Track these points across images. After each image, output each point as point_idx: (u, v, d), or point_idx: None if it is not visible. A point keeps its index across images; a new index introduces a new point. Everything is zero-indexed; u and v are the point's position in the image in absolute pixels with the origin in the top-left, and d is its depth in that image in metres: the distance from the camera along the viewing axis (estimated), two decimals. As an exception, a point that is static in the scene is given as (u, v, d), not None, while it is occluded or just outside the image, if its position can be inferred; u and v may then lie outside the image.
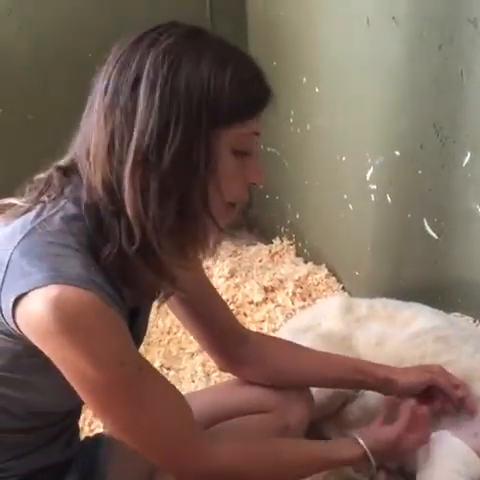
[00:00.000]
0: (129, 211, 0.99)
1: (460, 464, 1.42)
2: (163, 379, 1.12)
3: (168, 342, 2.16)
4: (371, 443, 1.31)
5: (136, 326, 1.20)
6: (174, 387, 1.13)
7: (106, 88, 1.00)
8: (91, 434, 1.49)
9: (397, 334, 1.72)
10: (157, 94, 0.96)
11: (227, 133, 1.00)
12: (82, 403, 1.27)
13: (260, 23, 2.60)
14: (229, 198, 1.05)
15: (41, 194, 1.07)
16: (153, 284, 1.12)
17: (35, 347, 1.00)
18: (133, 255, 1.02)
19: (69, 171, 1.08)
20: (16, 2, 2.33)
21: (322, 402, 1.62)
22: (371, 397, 1.61)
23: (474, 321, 1.95)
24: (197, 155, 0.98)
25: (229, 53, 1.02)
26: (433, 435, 1.48)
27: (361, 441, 1.30)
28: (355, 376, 1.50)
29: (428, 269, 2.04)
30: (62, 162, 1.10)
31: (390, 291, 2.07)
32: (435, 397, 1.48)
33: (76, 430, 1.32)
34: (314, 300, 2.33)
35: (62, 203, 1.05)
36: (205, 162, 0.99)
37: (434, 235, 1.97)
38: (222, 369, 1.49)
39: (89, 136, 1.02)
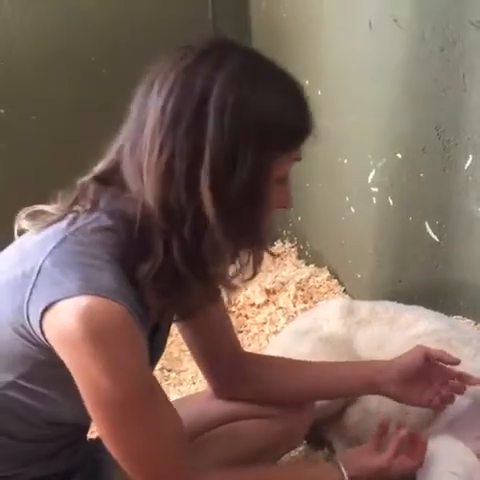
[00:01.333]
0: (188, 231, 1.00)
1: (460, 467, 1.41)
2: (169, 403, 1.11)
3: (169, 344, 2.15)
4: (353, 471, 1.29)
5: (156, 342, 1.20)
6: (177, 412, 1.12)
7: (164, 110, 0.98)
8: (92, 436, 1.48)
9: (398, 337, 1.72)
10: (227, 123, 0.96)
11: (283, 160, 1.03)
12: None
13: (263, 25, 2.60)
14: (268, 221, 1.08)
15: (75, 203, 1.07)
16: (199, 298, 1.12)
17: (57, 358, 0.99)
18: (186, 271, 1.02)
19: (106, 182, 1.07)
20: (19, 2, 2.33)
21: (322, 405, 1.61)
22: (372, 400, 1.60)
23: (476, 324, 1.94)
24: (261, 182, 1.00)
25: (289, 80, 1.06)
26: (433, 437, 1.48)
27: (342, 468, 1.29)
28: (353, 389, 1.50)
29: (430, 272, 2.03)
30: (99, 171, 1.08)
31: (392, 294, 2.06)
32: (434, 380, 1.45)
33: (84, 440, 1.32)
34: (315, 303, 2.33)
35: (97, 214, 1.05)
36: (266, 188, 1.01)
37: (435, 238, 1.97)
38: (218, 393, 1.46)
39: (141, 155, 1.00)
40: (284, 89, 1.03)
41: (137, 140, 1.01)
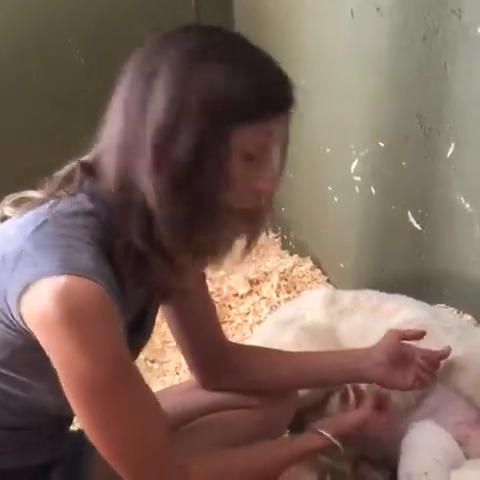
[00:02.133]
0: (139, 208, 0.99)
1: (441, 453, 1.42)
2: (147, 387, 1.10)
3: (152, 335, 2.14)
4: (333, 430, 1.32)
5: (144, 326, 1.20)
6: (156, 398, 1.11)
7: (124, 83, 1.00)
8: (74, 428, 1.47)
9: (380, 326, 1.71)
10: (171, 92, 0.95)
11: (239, 134, 0.97)
12: None
13: (245, 14, 2.58)
14: (239, 204, 1.03)
15: (59, 188, 1.06)
16: (164, 283, 1.10)
17: (37, 343, 0.98)
18: (145, 251, 1.01)
19: (91, 167, 1.07)
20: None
21: (305, 394, 1.62)
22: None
23: (458, 312, 1.95)
24: (207, 156, 0.96)
25: (246, 53, 1.03)
26: (415, 424, 1.49)
27: (323, 431, 1.32)
28: (336, 377, 1.50)
29: (412, 260, 2.04)
30: (86, 157, 1.09)
31: (375, 283, 2.07)
32: (411, 362, 1.47)
33: (67, 432, 1.31)
34: (299, 292, 2.33)
35: (79, 198, 1.04)
36: (215, 163, 0.97)
37: (418, 227, 1.97)
38: (203, 383, 1.47)
39: (108, 134, 1.02)
40: (237, 58, 0.99)
41: (107, 123, 1.03)
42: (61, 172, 1.09)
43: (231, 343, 1.50)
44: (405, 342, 1.48)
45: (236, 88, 0.96)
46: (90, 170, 1.06)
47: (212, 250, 1.09)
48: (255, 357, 1.48)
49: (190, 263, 1.08)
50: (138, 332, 1.13)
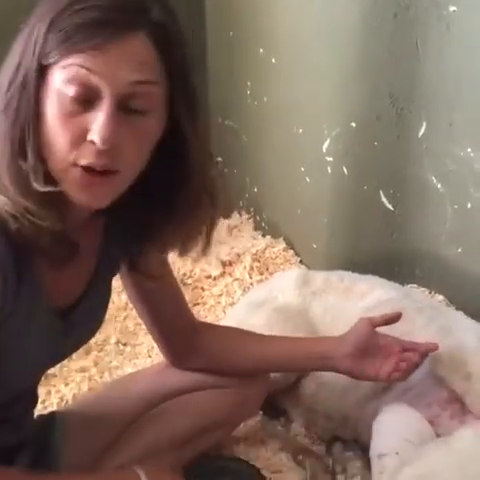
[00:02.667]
0: None
1: (413, 433, 1.43)
2: None
3: (124, 318, 2.13)
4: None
5: (78, 314, 1.16)
6: None
7: None
8: (44, 411, 1.46)
9: (352, 307, 1.72)
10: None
11: (58, 64, 0.92)
12: (35, 389, 1.24)
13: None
14: (65, 154, 0.94)
15: None
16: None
17: None
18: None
19: None
20: None
21: (277, 377, 1.62)
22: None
23: (430, 293, 1.95)
24: (28, 83, 0.93)
25: None
26: (389, 406, 1.49)
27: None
28: (307, 364, 1.50)
29: (385, 241, 2.04)
30: None
31: (347, 263, 2.06)
32: (390, 354, 1.44)
33: (31, 415, 1.29)
34: (272, 274, 2.32)
35: None
36: (35, 93, 0.93)
37: (390, 207, 1.96)
38: (173, 364, 1.46)
39: None
40: None
41: None
42: None
43: (201, 323, 1.50)
44: (385, 333, 1.45)
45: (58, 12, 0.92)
46: None
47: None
48: (227, 339, 1.48)
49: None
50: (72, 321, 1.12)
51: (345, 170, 2.05)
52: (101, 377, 1.87)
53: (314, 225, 2.29)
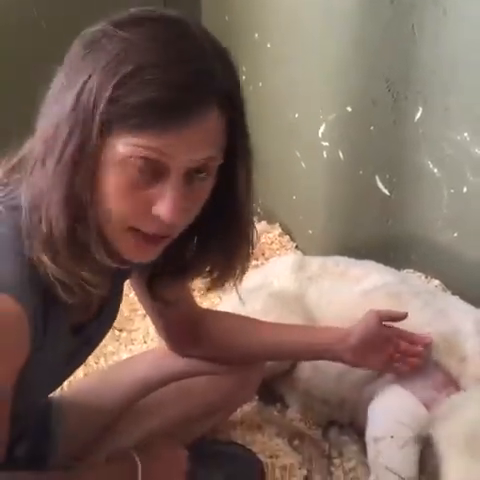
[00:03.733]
0: None
1: (407, 416, 1.43)
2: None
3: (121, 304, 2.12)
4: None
5: (103, 316, 1.15)
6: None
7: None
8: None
9: (348, 292, 1.72)
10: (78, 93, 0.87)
11: (122, 141, 0.87)
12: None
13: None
14: (135, 223, 0.93)
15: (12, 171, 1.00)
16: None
17: None
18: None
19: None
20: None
21: (273, 363, 1.62)
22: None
23: (426, 277, 1.96)
24: (87, 147, 0.88)
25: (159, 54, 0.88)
26: (385, 390, 1.50)
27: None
28: (309, 354, 1.50)
29: (381, 226, 2.03)
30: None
31: (343, 249, 2.06)
32: (388, 344, 1.47)
33: (34, 408, 1.26)
34: (267, 259, 2.31)
35: (15, 190, 0.97)
36: (92, 161, 0.88)
37: (386, 192, 1.96)
38: (175, 351, 1.46)
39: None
40: (144, 67, 0.86)
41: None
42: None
43: (204, 310, 1.49)
44: (386, 323, 1.47)
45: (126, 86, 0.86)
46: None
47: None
48: (228, 326, 1.47)
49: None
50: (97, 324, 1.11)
51: (341, 155, 2.05)
52: (97, 363, 1.87)
53: (310, 210, 2.28)
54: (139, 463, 1.12)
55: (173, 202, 0.89)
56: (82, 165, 0.88)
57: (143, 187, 0.90)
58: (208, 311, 1.54)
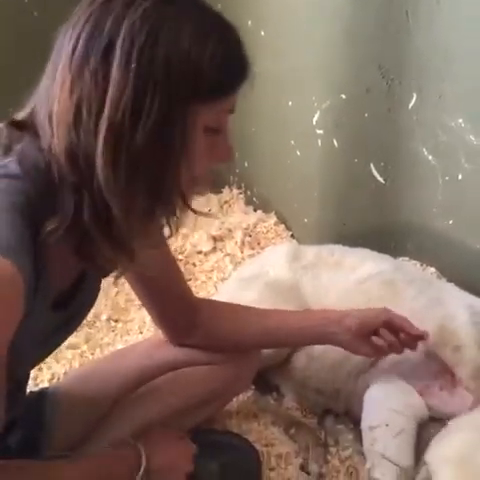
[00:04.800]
0: (97, 186, 0.91)
1: (402, 404, 1.43)
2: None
3: (115, 294, 2.12)
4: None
5: (82, 291, 1.14)
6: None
7: (74, 50, 0.90)
8: (35, 388, 1.46)
9: (343, 281, 1.72)
10: (133, 65, 0.87)
11: (205, 109, 0.93)
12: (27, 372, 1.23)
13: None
14: (195, 175, 0.99)
15: None
16: (110, 259, 1.02)
17: None
18: (94, 231, 0.94)
19: (23, 128, 0.98)
20: None
21: (269, 352, 1.61)
22: (317, 346, 1.60)
23: (421, 265, 1.95)
24: (173, 132, 0.91)
25: (212, 23, 0.95)
26: (377, 378, 1.49)
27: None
28: (305, 338, 1.51)
29: (376, 214, 2.03)
30: (15, 117, 0.99)
31: (338, 237, 2.06)
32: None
33: (23, 392, 1.27)
34: (263, 248, 2.31)
35: (6, 160, 0.96)
36: (181, 139, 0.92)
37: (381, 179, 1.96)
38: (171, 341, 1.46)
39: (52, 100, 0.92)
40: (206, 32, 0.92)
41: (48, 87, 0.94)
42: None
43: (200, 300, 1.49)
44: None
45: (207, 62, 0.91)
46: (21, 130, 0.98)
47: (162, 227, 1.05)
48: (224, 314, 1.47)
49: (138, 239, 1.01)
50: (77, 299, 1.10)
51: (335, 143, 2.04)
52: (92, 354, 1.87)
53: (305, 199, 2.28)
54: (142, 451, 1.15)
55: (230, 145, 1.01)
56: (171, 135, 0.92)
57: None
58: (203, 300, 1.54)
